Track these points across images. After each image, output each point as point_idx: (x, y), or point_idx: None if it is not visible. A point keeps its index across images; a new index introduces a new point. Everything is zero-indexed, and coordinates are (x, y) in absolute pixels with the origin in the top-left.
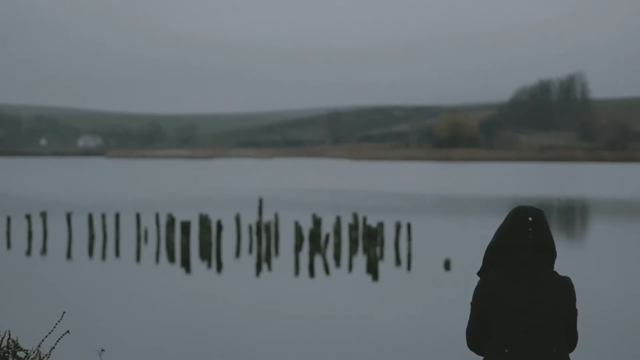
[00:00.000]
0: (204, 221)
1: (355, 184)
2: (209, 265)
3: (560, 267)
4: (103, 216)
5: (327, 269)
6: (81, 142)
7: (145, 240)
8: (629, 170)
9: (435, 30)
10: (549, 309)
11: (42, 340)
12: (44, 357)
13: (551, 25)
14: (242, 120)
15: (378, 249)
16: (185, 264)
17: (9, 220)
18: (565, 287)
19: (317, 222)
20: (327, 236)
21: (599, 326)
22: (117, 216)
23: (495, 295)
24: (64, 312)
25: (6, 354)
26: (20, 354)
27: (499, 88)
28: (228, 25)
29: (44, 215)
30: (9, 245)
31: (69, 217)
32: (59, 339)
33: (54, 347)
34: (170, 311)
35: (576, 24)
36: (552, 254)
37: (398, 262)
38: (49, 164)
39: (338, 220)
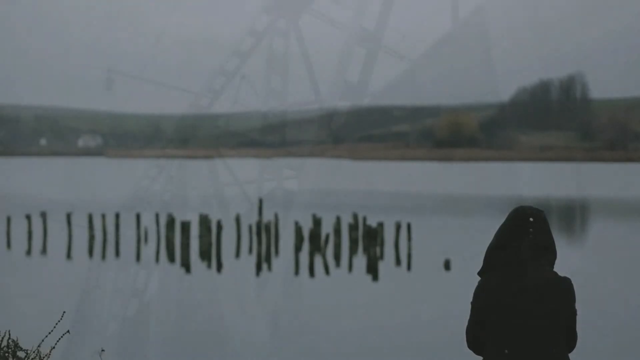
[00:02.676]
0: (204, 221)
1: (355, 184)
2: (209, 265)
3: (560, 267)
4: (103, 216)
5: (327, 269)
6: (81, 142)
7: (145, 240)
8: (629, 170)
9: (436, 29)
10: (549, 309)
11: (42, 340)
12: (44, 357)
13: (551, 25)
14: (242, 120)
15: (378, 249)
16: (185, 264)
17: (9, 220)
18: (564, 288)
19: (317, 222)
20: (327, 236)
21: (599, 326)
22: (117, 216)
23: (495, 295)
24: (64, 312)
25: (6, 354)
26: (20, 354)
27: (499, 88)
28: (228, 25)
29: (44, 215)
30: (9, 245)
31: (69, 217)
32: (59, 339)
33: (54, 347)
34: (170, 311)
35: (576, 24)
36: (552, 255)
37: (398, 262)
38: (49, 164)
39: (338, 220)
